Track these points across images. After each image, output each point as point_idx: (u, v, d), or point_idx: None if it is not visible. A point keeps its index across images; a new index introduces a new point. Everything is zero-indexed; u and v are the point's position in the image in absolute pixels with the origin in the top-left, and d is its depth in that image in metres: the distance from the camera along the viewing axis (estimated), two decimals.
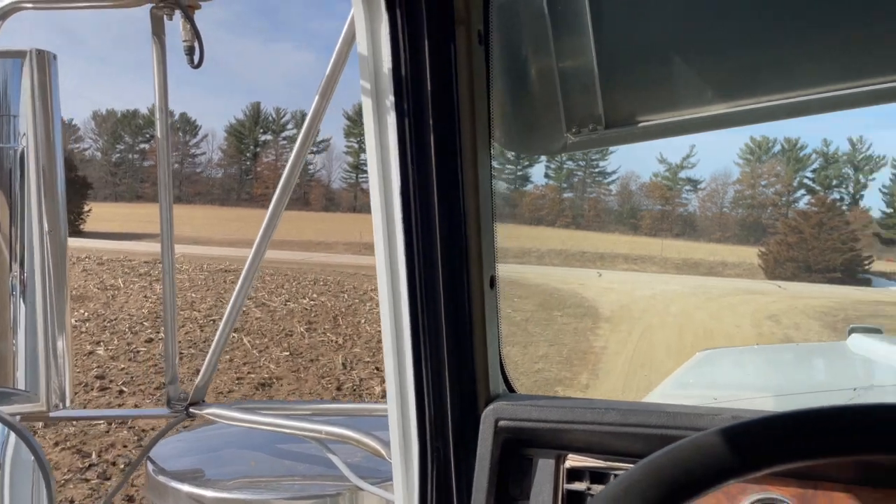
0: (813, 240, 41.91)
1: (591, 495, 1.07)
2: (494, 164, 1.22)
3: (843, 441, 0.57)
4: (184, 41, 1.71)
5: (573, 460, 1.14)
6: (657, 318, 18.16)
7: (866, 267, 42.01)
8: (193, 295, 17.36)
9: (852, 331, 3.05)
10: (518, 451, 1.15)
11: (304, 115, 1.54)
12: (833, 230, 41.54)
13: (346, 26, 1.45)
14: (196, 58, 1.69)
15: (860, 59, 1.19)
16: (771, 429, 0.58)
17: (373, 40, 1.03)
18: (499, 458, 1.14)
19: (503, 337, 1.26)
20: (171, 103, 1.80)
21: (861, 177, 71.50)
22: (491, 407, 1.15)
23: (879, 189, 69.60)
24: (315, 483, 1.71)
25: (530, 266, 37.40)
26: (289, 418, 1.74)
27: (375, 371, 10.70)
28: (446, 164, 1.07)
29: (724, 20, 1.19)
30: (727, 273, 42.28)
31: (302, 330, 13.65)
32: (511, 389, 1.28)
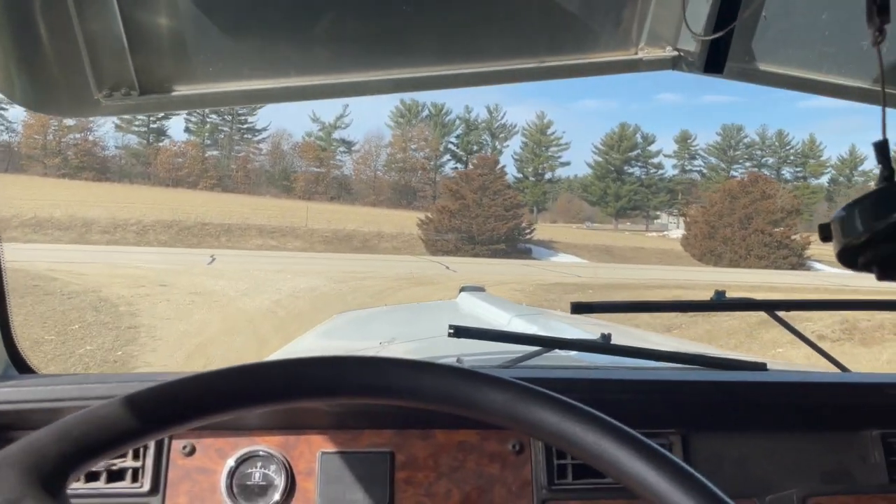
0: (476, 206, 32.18)
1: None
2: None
3: (219, 402, 0.62)
4: None
5: None
6: None
7: (528, 235, 33.82)
8: None
9: (462, 289, 3.25)
10: (4, 435, 1.07)
11: None
12: (497, 195, 32.41)
13: None
14: None
15: (421, 45, 1.26)
16: (166, 394, 0.62)
17: None
18: None
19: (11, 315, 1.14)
20: None
21: (497, 144, 72.79)
22: None
23: (511, 156, 65.92)
24: None
25: (113, 252, 24.07)
26: None
27: None
28: None
29: None
30: (384, 247, 30.73)
31: None
32: (26, 369, 1.16)
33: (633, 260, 36.17)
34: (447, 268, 25.86)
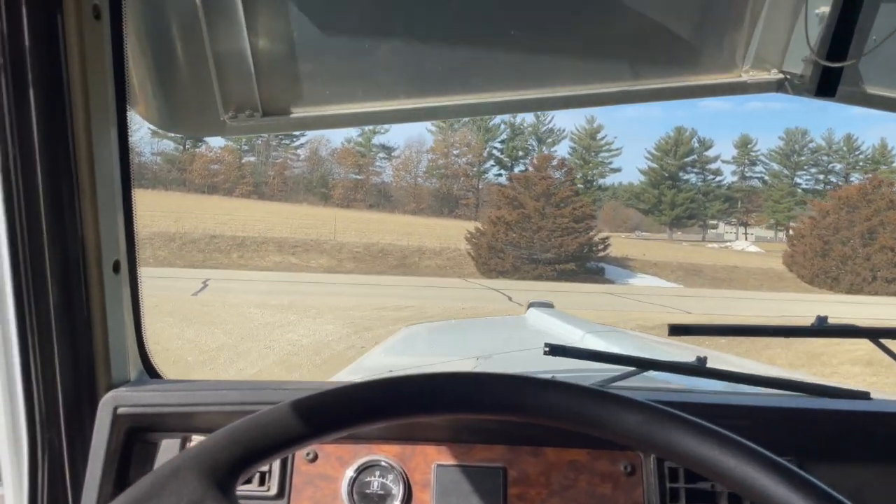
0: (539, 217, 24.14)
1: None
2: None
3: (378, 410, 0.65)
4: None
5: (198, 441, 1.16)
6: None
7: (602, 252, 25.62)
8: None
9: (531, 305, 3.13)
10: (142, 437, 1.10)
11: None
12: (564, 203, 24.41)
13: None
14: None
15: (526, 68, 1.30)
16: (329, 402, 0.64)
17: None
18: (121, 445, 1.07)
19: (144, 321, 1.19)
20: None
21: (545, 149, 65.49)
22: (109, 395, 1.07)
23: None
24: None
25: None
26: None
27: None
28: (54, 142, 0.95)
29: (374, 22, 1.24)
30: (425, 266, 22.78)
31: None
32: (154, 374, 1.20)
33: (731, 283, 28.18)
34: (510, 299, 18.52)
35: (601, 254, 28.89)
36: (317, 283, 19.90)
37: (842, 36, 1.11)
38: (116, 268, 1.06)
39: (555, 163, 32.52)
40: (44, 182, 0.93)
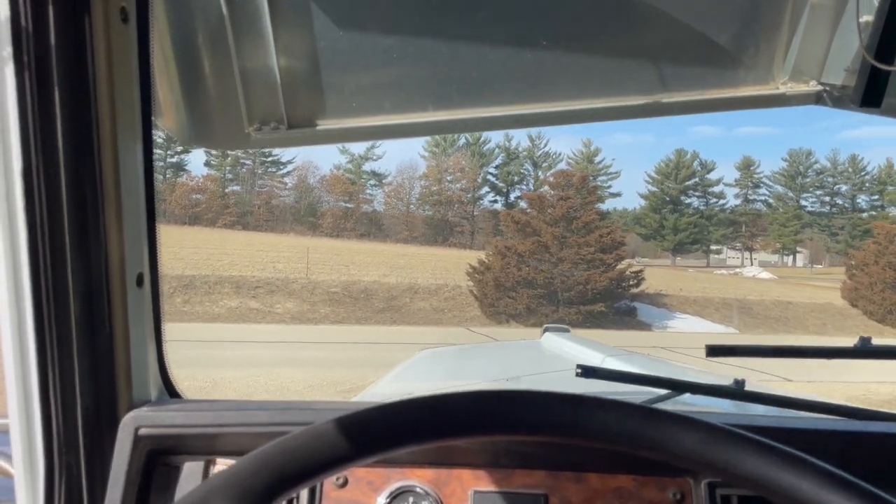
0: (557, 246, 17.87)
1: None
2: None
3: (418, 430, 0.60)
4: None
5: (223, 464, 1.03)
6: None
7: (636, 289, 19.66)
8: None
9: (546, 329, 2.95)
10: (164, 460, 1.03)
11: None
12: (588, 229, 18.44)
13: None
14: None
15: (557, 79, 1.26)
16: (370, 420, 0.60)
17: None
18: (141, 468, 1.00)
19: (165, 338, 1.14)
20: None
21: (540, 173, 61.82)
22: (130, 415, 1.00)
23: None
24: None
25: None
26: None
27: None
28: (78, 150, 0.91)
29: (400, 35, 1.20)
30: (418, 310, 16.03)
31: None
32: (174, 394, 1.13)
33: (789, 323, 22.49)
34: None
35: (634, 290, 23.09)
36: (270, 342, 14.13)
37: (885, 43, 1.04)
38: (140, 281, 0.99)
39: (575, 178, 26.29)
40: (67, 190, 0.88)
